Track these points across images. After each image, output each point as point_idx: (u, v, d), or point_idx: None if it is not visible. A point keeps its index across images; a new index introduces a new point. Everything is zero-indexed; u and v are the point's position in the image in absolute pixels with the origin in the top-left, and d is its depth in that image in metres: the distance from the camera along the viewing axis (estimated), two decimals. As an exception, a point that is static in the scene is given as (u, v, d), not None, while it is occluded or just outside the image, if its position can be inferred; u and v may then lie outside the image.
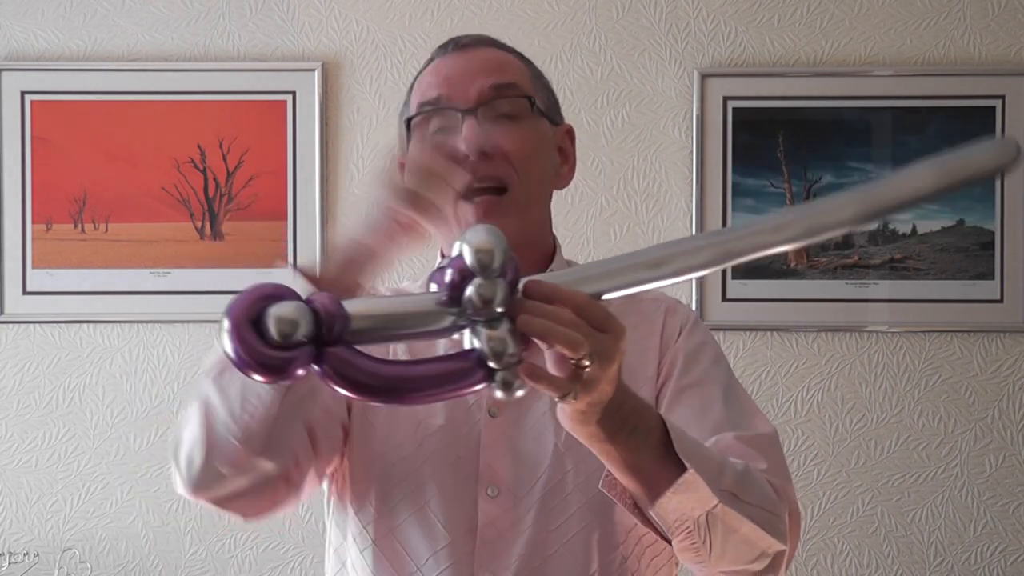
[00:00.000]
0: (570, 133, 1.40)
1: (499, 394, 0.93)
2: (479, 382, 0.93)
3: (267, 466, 1.18)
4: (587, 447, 1.09)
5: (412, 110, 1.32)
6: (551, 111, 1.37)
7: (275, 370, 0.90)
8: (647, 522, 1.15)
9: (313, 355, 0.91)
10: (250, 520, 1.26)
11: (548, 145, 1.35)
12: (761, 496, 1.16)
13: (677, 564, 1.34)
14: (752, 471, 1.18)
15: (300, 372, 0.91)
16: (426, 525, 1.27)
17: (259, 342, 0.89)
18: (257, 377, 0.90)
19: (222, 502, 1.21)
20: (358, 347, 0.93)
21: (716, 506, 1.10)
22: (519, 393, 0.93)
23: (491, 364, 0.92)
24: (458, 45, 1.33)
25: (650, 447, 1.08)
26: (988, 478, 2.54)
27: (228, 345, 0.89)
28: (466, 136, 1.26)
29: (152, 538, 2.55)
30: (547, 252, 1.37)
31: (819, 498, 2.53)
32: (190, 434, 1.18)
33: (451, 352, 0.95)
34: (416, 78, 1.36)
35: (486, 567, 1.25)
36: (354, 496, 1.31)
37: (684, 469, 1.08)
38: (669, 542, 1.15)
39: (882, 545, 2.54)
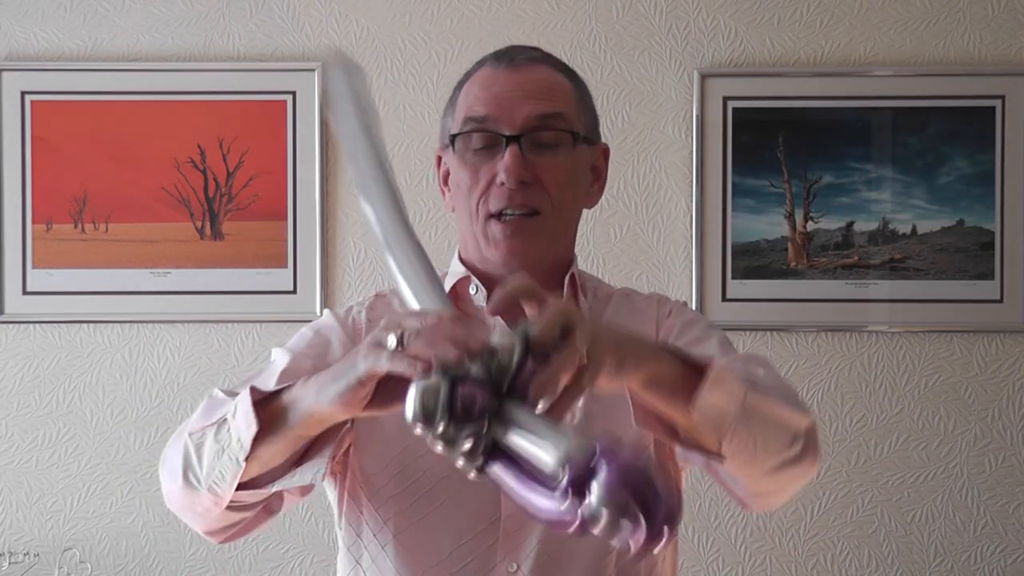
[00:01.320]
0: (605, 153, 1.44)
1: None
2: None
3: (243, 513, 1.20)
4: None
5: (459, 121, 1.35)
6: (592, 132, 1.40)
7: None
8: (685, 444, 1.16)
9: None
10: (223, 543, 1.29)
11: (583, 172, 1.39)
12: (774, 381, 1.20)
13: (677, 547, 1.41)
14: (753, 369, 1.21)
15: None
16: (448, 519, 1.29)
17: None
18: None
19: (212, 533, 1.27)
20: None
21: (746, 395, 1.12)
22: None
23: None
24: (511, 62, 1.35)
25: (670, 363, 1.11)
26: (988, 478, 2.54)
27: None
28: (507, 165, 1.30)
29: (152, 538, 2.55)
30: (567, 261, 1.41)
31: (819, 498, 2.53)
32: (173, 465, 1.22)
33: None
34: (465, 80, 1.38)
35: (508, 557, 1.28)
36: (370, 494, 1.32)
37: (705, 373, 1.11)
38: (716, 455, 1.15)
39: (882, 545, 2.54)
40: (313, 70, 2.54)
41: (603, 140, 1.45)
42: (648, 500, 0.88)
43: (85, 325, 2.56)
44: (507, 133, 1.31)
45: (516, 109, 1.31)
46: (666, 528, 0.89)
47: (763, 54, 2.56)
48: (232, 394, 1.23)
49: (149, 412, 2.56)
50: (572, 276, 1.39)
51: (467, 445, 0.93)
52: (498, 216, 1.32)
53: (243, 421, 1.12)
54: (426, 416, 0.92)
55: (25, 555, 2.51)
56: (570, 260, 1.41)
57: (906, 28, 2.55)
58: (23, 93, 2.56)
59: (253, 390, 1.13)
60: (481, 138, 1.33)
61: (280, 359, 1.34)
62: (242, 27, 2.57)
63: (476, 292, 1.37)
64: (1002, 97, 2.53)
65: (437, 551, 1.28)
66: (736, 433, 1.13)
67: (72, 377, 2.57)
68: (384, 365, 1.00)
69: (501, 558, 1.27)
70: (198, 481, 1.18)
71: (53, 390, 2.57)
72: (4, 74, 2.56)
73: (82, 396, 2.56)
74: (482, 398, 0.93)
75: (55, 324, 2.56)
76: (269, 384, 1.23)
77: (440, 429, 0.92)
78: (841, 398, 2.55)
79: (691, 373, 1.11)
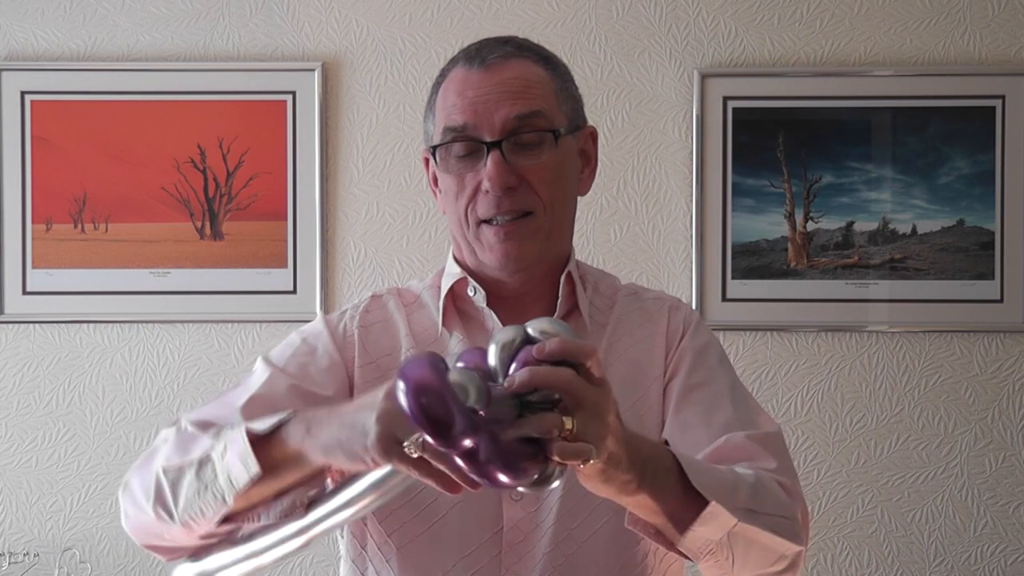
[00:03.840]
0: (593, 135, 1.41)
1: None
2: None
3: (208, 541, 1.20)
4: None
5: (438, 130, 1.33)
6: (575, 118, 1.37)
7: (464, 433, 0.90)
8: (671, 547, 1.15)
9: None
10: (169, 561, 1.26)
11: (571, 161, 1.36)
12: (775, 504, 1.18)
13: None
14: (763, 479, 1.19)
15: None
16: (452, 532, 1.27)
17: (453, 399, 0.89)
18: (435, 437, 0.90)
19: (157, 550, 1.24)
20: None
21: (736, 525, 1.12)
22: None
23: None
24: (483, 62, 1.32)
25: (671, 486, 1.09)
26: (988, 478, 2.54)
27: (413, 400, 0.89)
28: (490, 174, 1.28)
29: (152, 538, 2.55)
30: (564, 256, 1.39)
31: (819, 498, 2.53)
32: (139, 495, 1.20)
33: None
34: (441, 80, 1.36)
35: (512, 569, 1.27)
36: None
37: (703, 499, 1.09)
38: (689, 559, 1.17)
39: (882, 545, 2.54)
40: (313, 70, 2.54)
41: (590, 124, 1.41)
42: (439, 415, 0.89)
43: (85, 325, 2.56)
44: (487, 140, 1.28)
45: (493, 113, 1.28)
46: (465, 441, 0.90)
47: (763, 54, 2.56)
48: (203, 425, 1.21)
49: (149, 412, 2.56)
50: (569, 274, 1.37)
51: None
52: (489, 221, 1.30)
53: (239, 463, 1.11)
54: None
55: (25, 555, 2.51)
56: (567, 255, 1.39)
57: (906, 28, 2.55)
58: (23, 93, 2.56)
59: (248, 432, 1.12)
60: (462, 147, 1.30)
61: (258, 376, 1.32)
62: (242, 27, 2.57)
63: (475, 293, 1.36)
64: (1002, 97, 2.53)
65: (441, 564, 1.27)
66: (715, 555, 1.13)
67: (72, 377, 2.57)
68: (402, 470, 1.00)
69: (506, 570, 1.26)
70: (170, 516, 1.16)
71: (53, 390, 2.57)
72: (4, 74, 2.56)
73: (82, 396, 2.56)
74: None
75: (55, 324, 2.56)
76: (239, 402, 1.25)
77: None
78: (841, 398, 2.55)
79: (689, 498, 1.10)
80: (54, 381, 2.57)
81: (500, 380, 0.95)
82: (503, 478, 0.92)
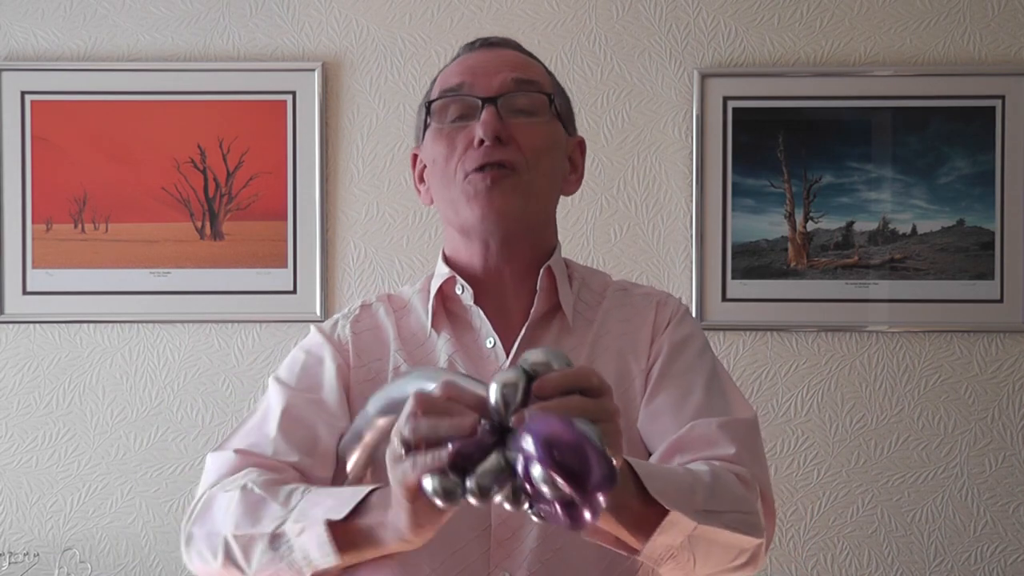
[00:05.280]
0: (581, 145, 1.43)
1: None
2: None
3: None
4: None
5: (434, 96, 1.36)
6: (566, 119, 1.40)
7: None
8: (633, 552, 1.15)
9: None
10: None
11: (560, 147, 1.38)
12: (733, 499, 1.17)
13: None
14: (719, 475, 1.18)
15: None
16: (440, 529, 1.27)
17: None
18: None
19: None
20: None
21: (696, 528, 1.11)
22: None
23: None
24: (485, 42, 1.37)
25: (632, 492, 1.09)
26: (988, 478, 2.54)
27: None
28: (484, 120, 1.29)
29: (152, 538, 2.55)
30: (548, 250, 1.39)
31: (819, 498, 2.53)
32: (208, 553, 1.24)
33: None
34: (440, 72, 1.39)
35: (500, 565, 1.27)
36: None
37: (661, 505, 1.09)
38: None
39: (882, 545, 2.54)
40: (313, 70, 2.54)
41: (581, 135, 1.45)
42: (576, 467, 0.86)
43: (85, 325, 2.56)
44: (483, 96, 1.31)
45: (492, 75, 1.32)
46: (599, 495, 0.87)
47: (763, 54, 2.56)
48: (271, 486, 1.21)
49: (149, 412, 2.56)
50: (548, 269, 1.36)
51: (502, 493, 0.91)
52: (478, 170, 1.30)
53: (317, 550, 1.12)
54: (447, 494, 0.92)
55: (25, 555, 2.51)
56: (552, 247, 1.39)
57: (906, 28, 2.55)
58: (23, 93, 2.56)
59: (328, 521, 1.12)
60: (457, 108, 1.32)
61: (275, 398, 1.34)
62: (242, 27, 2.57)
63: (463, 292, 1.37)
64: (1002, 97, 2.53)
65: (430, 561, 1.27)
66: (676, 558, 1.13)
67: (72, 377, 2.57)
68: (412, 476, 0.97)
69: (494, 566, 1.26)
70: (243, 573, 1.20)
71: (53, 390, 2.57)
72: (4, 74, 2.56)
73: (82, 396, 2.56)
74: (478, 439, 0.91)
75: (55, 324, 2.56)
76: (269, 429, 1.28)
77: (461, 493, 0.91)
78: (841, 398, 2.55)
79: (648, 511, 1.09)
80: (54, 381, 2.57)
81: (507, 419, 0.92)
82: (591, 517, 0.90)
